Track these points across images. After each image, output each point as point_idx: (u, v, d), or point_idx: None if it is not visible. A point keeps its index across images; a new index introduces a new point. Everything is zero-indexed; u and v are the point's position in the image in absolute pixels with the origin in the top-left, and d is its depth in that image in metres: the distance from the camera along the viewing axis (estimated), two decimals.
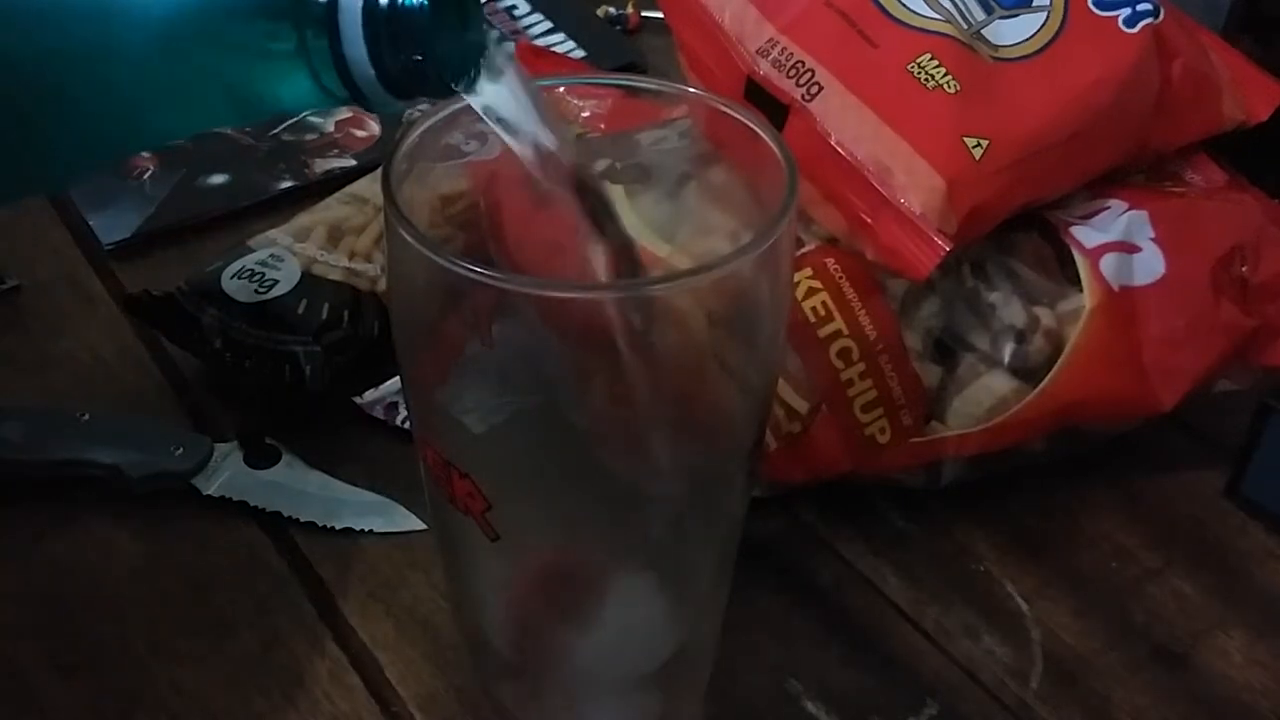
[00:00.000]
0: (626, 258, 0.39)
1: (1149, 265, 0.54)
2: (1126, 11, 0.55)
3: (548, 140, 0.37)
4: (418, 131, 0.39)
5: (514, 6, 0.85)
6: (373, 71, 0.35)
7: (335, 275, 0.60)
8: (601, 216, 0.39)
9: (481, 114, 0.37)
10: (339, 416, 0.58)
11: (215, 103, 0.38)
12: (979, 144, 0.51)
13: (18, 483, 0.55)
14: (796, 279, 0.52)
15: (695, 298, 0.38)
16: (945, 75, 0.52)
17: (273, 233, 0.62)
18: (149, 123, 0.39)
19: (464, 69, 0.37)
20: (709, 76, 0.57)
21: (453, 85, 0.37)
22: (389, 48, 0.35)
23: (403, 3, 0.35)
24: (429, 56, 0.36)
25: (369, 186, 0.64)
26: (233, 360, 0.58)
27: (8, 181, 0.40)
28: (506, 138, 0.37)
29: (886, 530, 0.55)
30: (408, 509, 0.55)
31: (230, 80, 0.37)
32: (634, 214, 0.50)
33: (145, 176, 0.71)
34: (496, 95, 0.37)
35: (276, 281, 0.59)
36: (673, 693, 0.47)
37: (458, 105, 0.40)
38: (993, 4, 0.56)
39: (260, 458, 0.56)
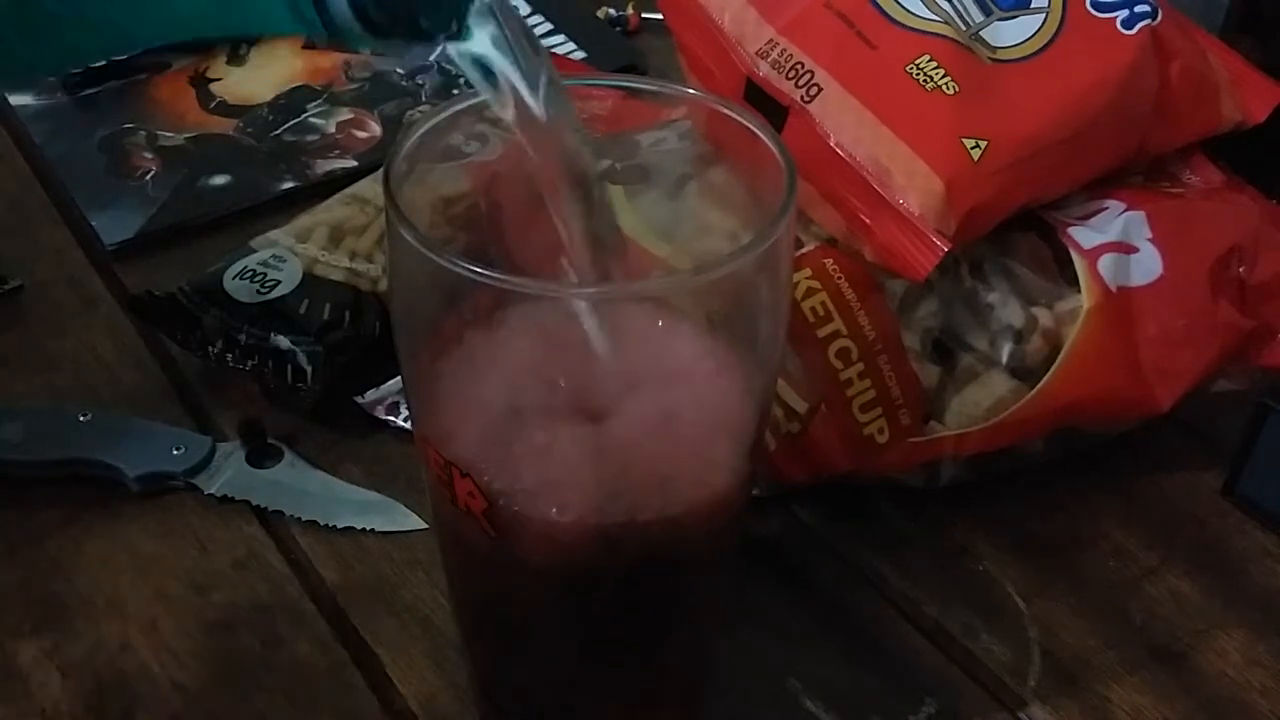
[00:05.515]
0: (606, 232, 0.38)
1: (1146, 266, 0.54)
2: (1124, 13, 0.55)
3: (531, 101, 0.36)
4: (418, 133, 0.39)
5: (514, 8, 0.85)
6: (348, 8, 0.35)
7: (337, 275, 0.60)
8: (583, 188, 0.38)
9: (460, 64, 0.36)
10: (340, 416, 0.59)
11: (192, 4, 0.37)
12: (977, 145, 0.51)
13: (18, 483, 0.55)
14: (795, 279, 0.52)
15: (695, 298, 0.39)
16: (944, 76, 0.53)
17: (274, 233, 0.62)
18: (126, 19, 0.38)
19: (448, 17, 0.36)
20: (709, 78, 0.57)
21: (433, 32, 0.36)
22: None
23: None
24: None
25: (370, 187, 0.65)
26: (234, 360, 0.58)
27: None
28: (486, 92, 0.36)
29: (886, 530, 0.55)
30: (408, 508, 0.55)
31: None
32: (634, 214, 0.50)
33: (147, 177, 0.71)
34: (482, 46, 0.36)
35: (278, 282, 0.59)
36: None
37: (459, 106, 0.40)
38: (991, 5, 0.56)
39: (262, 457, 0.57)
